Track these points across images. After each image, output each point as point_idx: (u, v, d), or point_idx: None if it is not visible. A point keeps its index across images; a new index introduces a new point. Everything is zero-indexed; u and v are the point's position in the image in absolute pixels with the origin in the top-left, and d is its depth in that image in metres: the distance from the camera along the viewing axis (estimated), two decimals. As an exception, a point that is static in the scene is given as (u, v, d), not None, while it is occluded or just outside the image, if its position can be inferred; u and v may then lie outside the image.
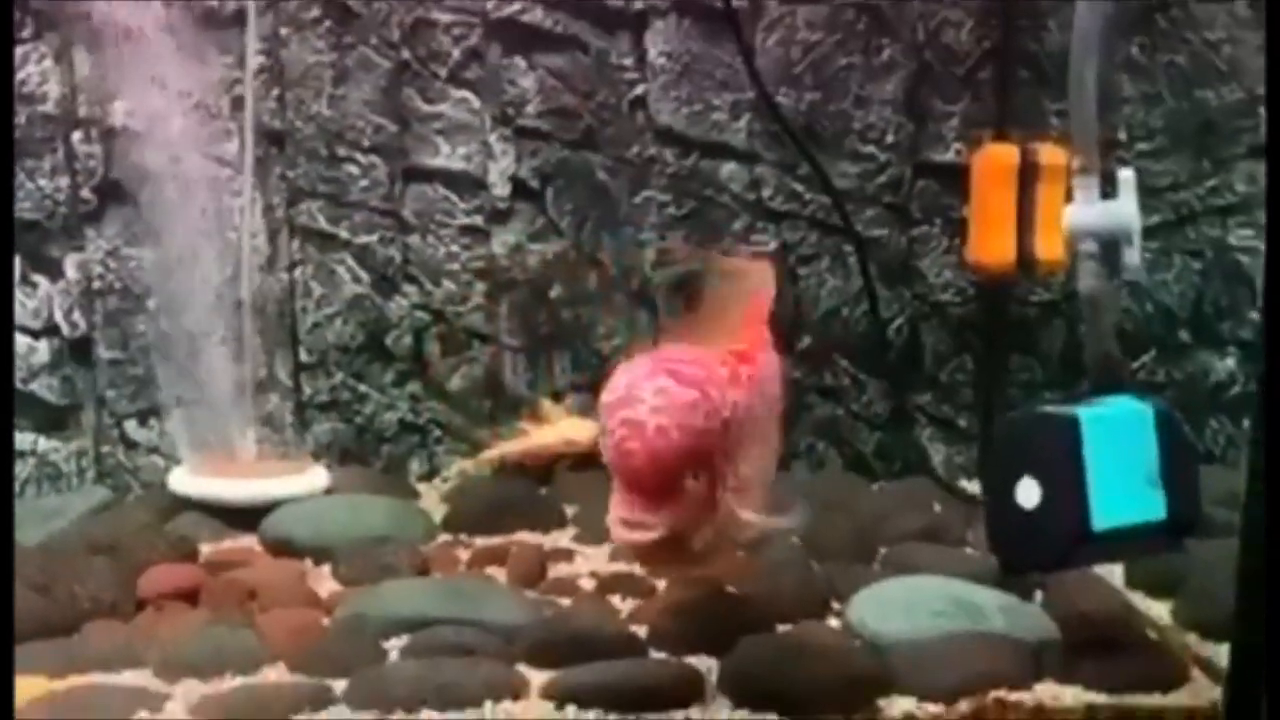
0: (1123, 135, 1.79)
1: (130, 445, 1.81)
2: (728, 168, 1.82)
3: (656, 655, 1.24)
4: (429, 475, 1.84)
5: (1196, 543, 1.24)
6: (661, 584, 1.37)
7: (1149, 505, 1.16)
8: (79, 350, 1.79)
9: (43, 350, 1.78)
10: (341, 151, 1.79)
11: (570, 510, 1.65)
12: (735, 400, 1.10)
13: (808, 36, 1.80)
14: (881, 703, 1.15)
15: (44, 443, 1.79)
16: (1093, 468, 1.13)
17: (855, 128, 1.81)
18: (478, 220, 1.82)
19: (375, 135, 1.80)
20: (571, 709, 1.13)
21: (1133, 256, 1.21)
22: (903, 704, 1.15)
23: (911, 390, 1.84)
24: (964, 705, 1.15)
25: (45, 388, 1.79)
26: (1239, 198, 1.81)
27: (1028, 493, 1.15)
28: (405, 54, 1.79)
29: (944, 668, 1.17)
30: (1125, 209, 1.21)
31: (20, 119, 1.75)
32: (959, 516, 1.59)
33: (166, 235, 1.75)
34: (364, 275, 1.82)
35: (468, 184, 1.81)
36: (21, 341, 1.78)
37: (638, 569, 1.35)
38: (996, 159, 1.27)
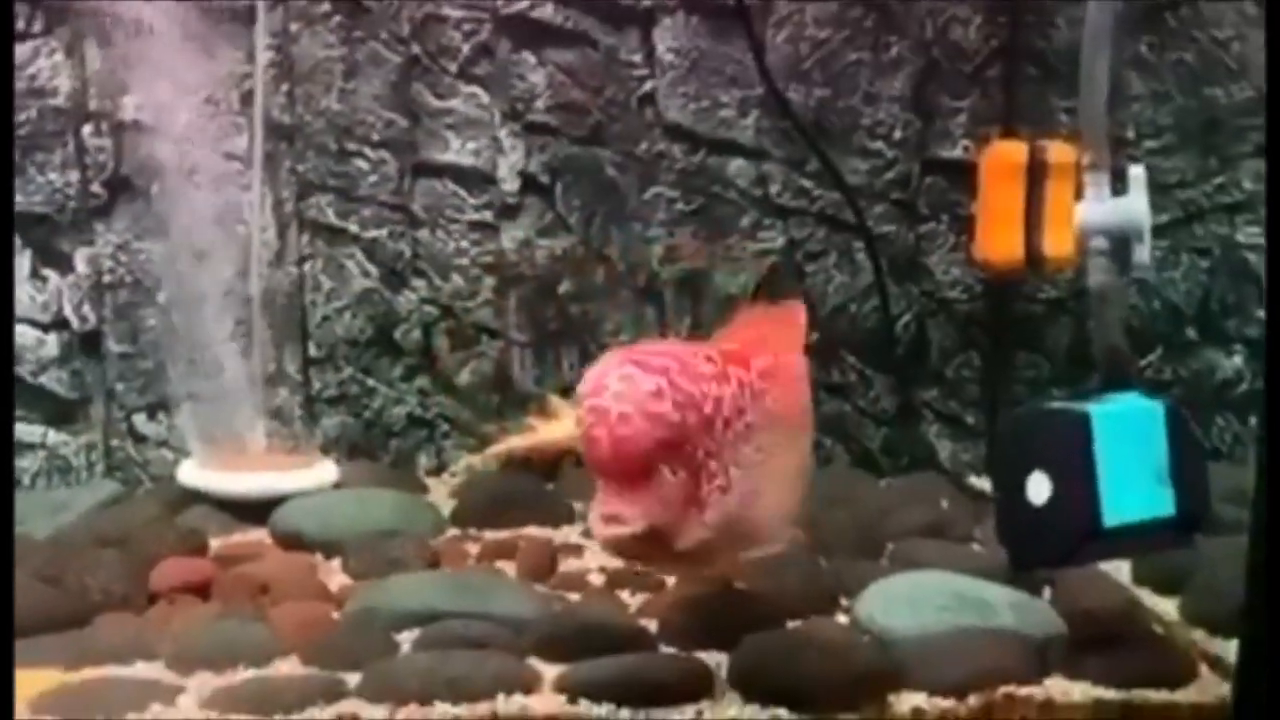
0: (1131, 133, 1.79)
1: (139, 439, 1.81)
2: (735, 164, 1.82)
3: (666, 650, 1.25)
4: (437, 470, 1.84)
5: (1202, 539, 1.24)
6: (670, 580, 1.38)
7: (1158, 501, 1.16)
8: (88, 344, 1.80)
9: (52, 344, 1.79)
10: (351, 146, 1.80)
11: (578, 505, 1.66)
12: (719, 396, 1.09)
13: (816, 33, 1.80)
14: (891, 698, 1.16)
15: (53, 436, 1.80)
16: (1103, 464, 1.14)
17: (863, 124, 1.81)
18: (487, 215, 1.82)
19: (385, 130, 1.80)
20: (584, 703, 1.13)
21: (1143, 253, 1.21)
22: (912, 699, 1.16)
23: (918, 386, 1.84)
24: (973, 700, 1.15)
25: (55, 381, 1.80)
26: (1246, 195, 1.81)
27: (1038, 488, 1.15)
28: (415, 49, 1.79)
29: (953, 663, 1.18)
30: (1136, 206, 1.21)
31: (31, 113, 1.75)
32: (966, 512, 1.60)
33: (176, 229, 1.75)
34: (373, 270, 1.82)
35: (477, 179, 1.82)
36: (31, 335, 1.78)
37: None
38: (1004, 156, 1.27)
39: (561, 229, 1.83)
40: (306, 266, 1.82)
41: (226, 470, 1.68)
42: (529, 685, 1.16)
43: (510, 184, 1.82)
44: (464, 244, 1.82)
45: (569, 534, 1.59)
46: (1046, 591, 1.35)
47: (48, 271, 1.78)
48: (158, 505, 1.64)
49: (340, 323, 1.83)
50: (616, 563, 1.45)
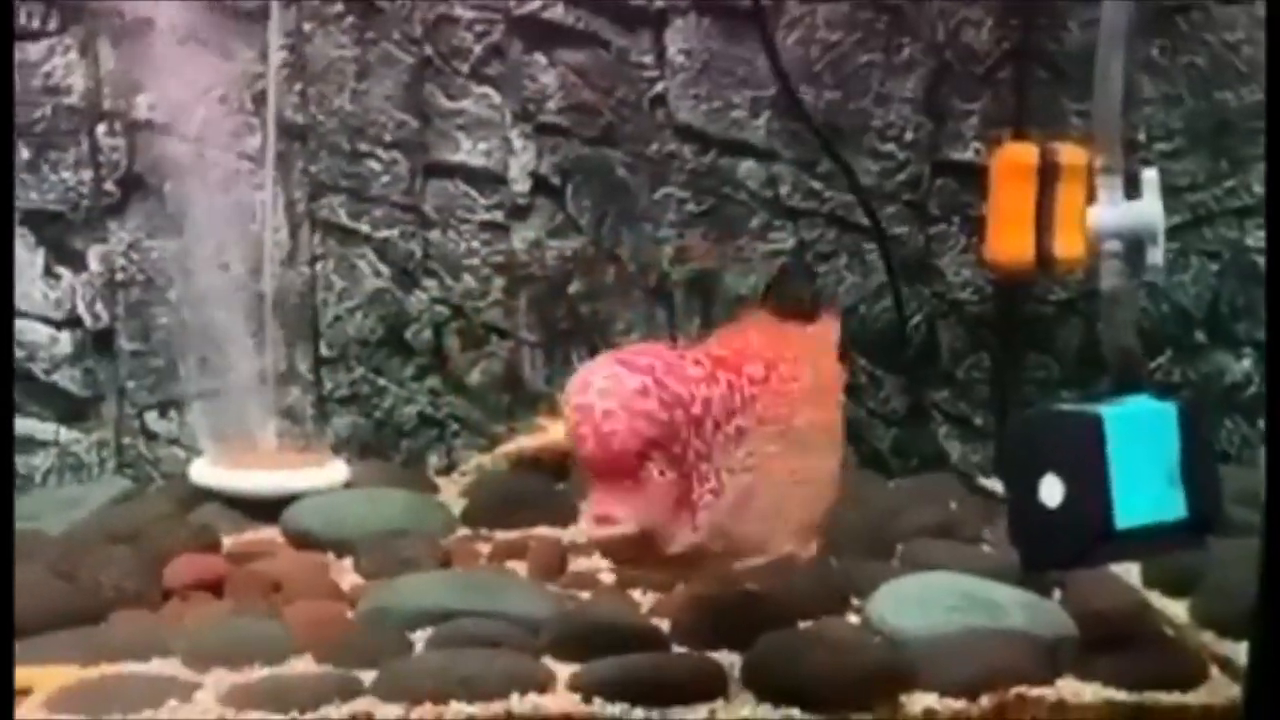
0: (1142, 135, 1.79)
1: (151, 436, 1.82)
2: (746, 165, 1.83)
3: (678, 650, 1.25)
4: (447, 469, 1.85)
5: (1212, 541, 1.24)
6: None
7: (1171, 504, 1.16)
8: (101, 342, 1.80)
9: (65, 341, 1.80)
10: (363, 146, 1.81)
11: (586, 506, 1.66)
12: (707, 398, 1.10)
13: (827, 35, 1.81)
14: (903, 698, 1.16)
15: (66, 433, 1.81)
16: (1116, 466, 1.14)
17: (875, 126, 1.82)
18: (498, 216, 1.83)
19: (397, 130, 1.81)
20: (598, 702, 1.13)
21: (1156, 256, 1.21)
22: (924, 699, 1.16)
23: (928, 387, 1.85)
24: (985, 701, 1.15)
25: (68, 379, 1.80)
26: (1256, 199, 1.81)
27: (1050, 490, 1.15)
28: (427, 50, 1.80)
29: (965, 664, 1.18)
30: (1150, 209, 1.21)
31: (45, 111, 1.76)
32: (976, 513, 1.60)
33: (189, 228, 1.76)
34: (384, 270, 1.83)
35: (488, 180, 1.82)
36: (44, 333, 1.79)
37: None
38: (1015, 158, 1.27)
39: (572, 229, 1.83)
40: (318, 266, 1.82)
41: (238, 468, 1.68)
42: (543, 684, 1.17)
43: (521, 184, 1.82)
44: (475, 244, 1.83)
45: (579, 533, 1.60)
46: (1056, 593, 1.36)
47: (61, 269, 1.79)
48: (169, 502, 1.64)
49: (352, 322, 1.83)
50: (628, 563, 1.46)
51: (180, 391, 1.79)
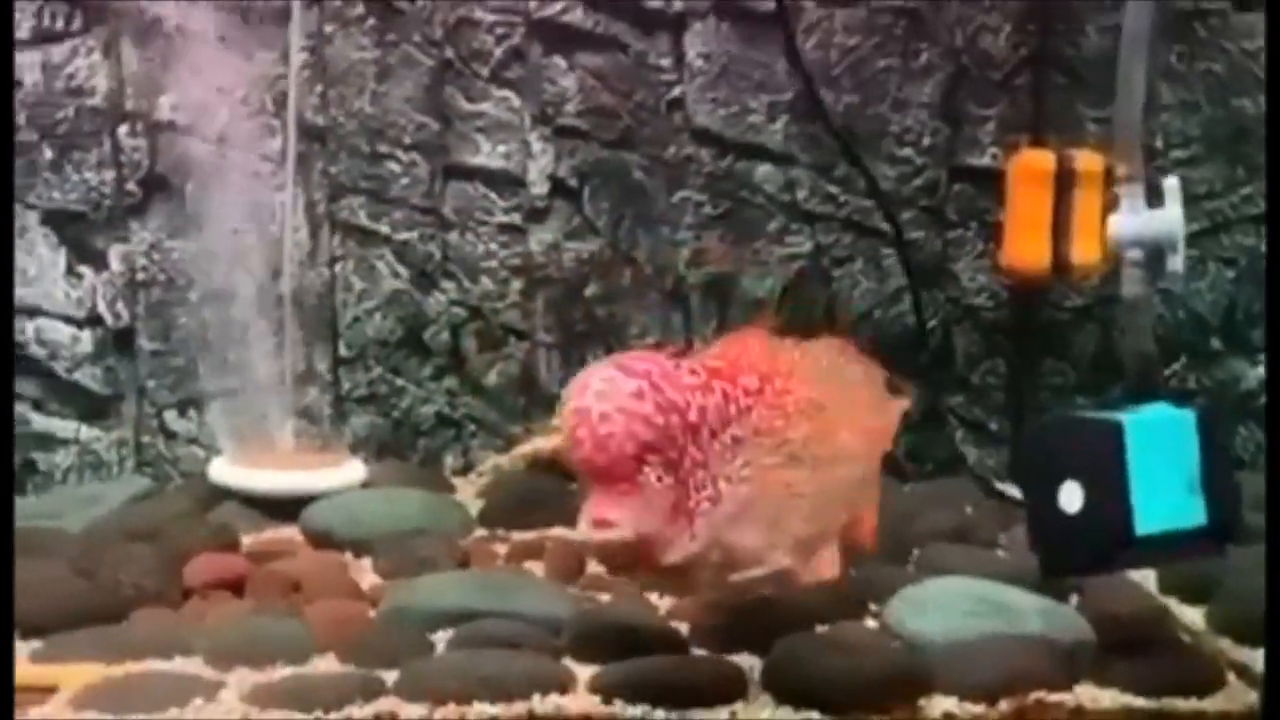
0: (1159, 142, 1.80)
1: (170, 435, 1.83)
2: (763, 169, 1.84)
3: (697, 652, 1.26)
4: (464, 470, 1.85)
5: (1230, 548, 1.25)
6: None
7: (1191, 511, 1.17)
8: (122, 340, 1.81)
9: (86, 340, 1.81)
10: (383, 148, 1.81)
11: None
12: (703, 405, 1.10)
13: (845, 40, 1.81)
14: (922, 702, 1.16)
15: (86, 431, 1.82)
16: (1136, 473, 1.15)
17: (892, 131, 1.82)
18: (516, 218, 1.84)
19: (416, 133, 1.81)
20: (619, 703, 1.14)
21: (1177, 264, 1.22)
22: (944, 704, 1.16)
23: (944, 392, 1.85)
24: (1004, 705, 1.16)
25: (88, 377, 1.81)
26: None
27: (1070, 497, 1.16)
28: (447, 52, 1.81)
29: (984, 668, 1.19)
30: (1171, 217, 1.22)
31: (69, 112, 1.77)
32: (992, 518, 1.61)
33: (209, 229, 1.77)
34: (403, 271, 1.84)
35: (507, 182, 1.83)
36: (65, 331, 1.80)
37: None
38: (1032, 164, 1.28)
39: (589, 232, 1.84)
40: (338, 267, 1.83)
41: (256, 468, 1.69)
42: (564, 685, 1.17)
43: (539, 187, 1.83)
44: (493, 246, 1.84)
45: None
46: (1073, 598, 1.36)
47: (83, 269, 1.80)
48: (188, 501, 1.65)
49: (370, 323, 1.84)
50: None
51: (200, 391, 1.80)
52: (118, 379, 1.82)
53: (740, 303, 1.84)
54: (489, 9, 1.80)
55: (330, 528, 1.57)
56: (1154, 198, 1.23)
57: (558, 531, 1.58)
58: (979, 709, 1.16)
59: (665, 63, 1.82)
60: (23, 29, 1.75)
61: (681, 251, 1.84)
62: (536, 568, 1.48)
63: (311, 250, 1.82)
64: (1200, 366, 1.85)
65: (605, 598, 1.39)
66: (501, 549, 1.55)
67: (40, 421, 1.80)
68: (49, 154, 1.77)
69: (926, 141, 1.83)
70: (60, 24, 1.76)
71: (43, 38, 1.76)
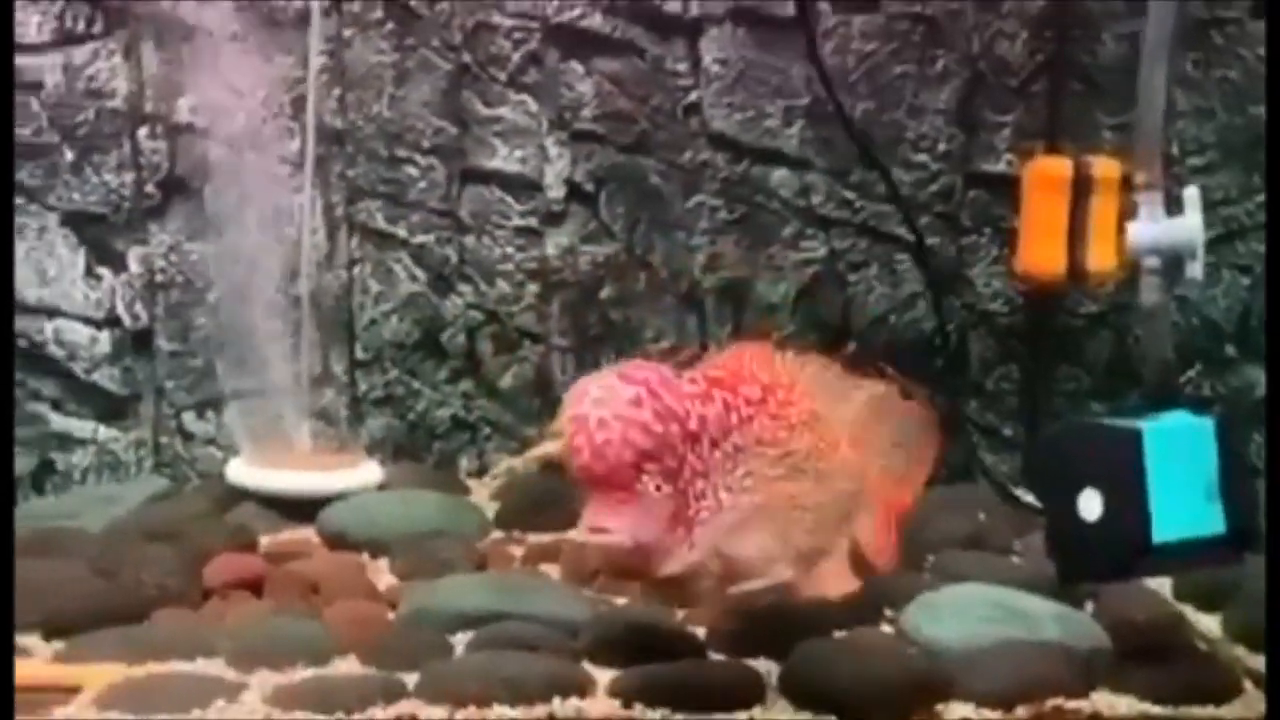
0: (1175, 149, 1.80)
1: (188, 436, 1.84)
2: (779, 174, 1.84)
3: (714, 657, 1.26)
4: (479, 472, 1.86)
5: (1247, 555, 1.25)
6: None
7: (1209, 518, 1.17)
8: (140, 342, 1.82)
9: (105, 341, 1.82)
10: (401, 152, 1.82)
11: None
12: (703, 415, 1.11)
13: (862, 46, 1.82)
14: (939, 708, 1.17)
15: (104, 432, 1.82)
16: (1154, 480, 1.15)
17: (908, 137, 1.83)
18: (532, 222, 1.84)
19: (434, 137, 1.82)
20: (638, 707, 1.15)
21: (1195, 272, 1.22)
22: (961, 710, 1.17)
23: (958, 397, 1.86)
24: (1021, 712, 1.16)
25: (107, 378, 1.82)
26: (1288, 213, 1.82)
27: (1089, 504, 1.16)
28: (465, 57, 1.81)
29: (1001, 674, 1.19)
30: (1191, 225, 1.22)
31: (89, 114, 1.78)
32: (1006, 524, 1.61)
33: (228, 231, 1.78)
34: (420, 274, 1.85)
35: (523, 186, 1.84)
36: (84, 332, 1.81)
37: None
38: (1048, 170, 1.28)
39: (605, 236, 1.85)
40: (355, 270, 1.84)
41: (273, 469, 1.70)
42: (583, 688, 1.18)
43: (556, 191, 1.84)
44: (509, 250, 1.84)
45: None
46: (1089, 605, 1.37)
47: (102, 270, 1.81)
48: (206, 502, 1.66)
49: (387, 325, 1.85)
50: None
51: (217, 392, 1.81)
52: (136, 380, 1.83)
53: (755, 307, 1.84)
54: (507, 14, 1.81)
55: (346, 529, 1.57)
56: (1172, 206, 1.24)
57: (573, 534, 1.60)
58: (995, 715, 1.16)
59: (681, 68, 1.83)
60: (44, 31, 1.76)
61: (697, 256, 1.85)
62: (552, 570, 1.48)
63: (329, 253, 1.83)
64: (1215, 373, 1.85)
65: (621, 601, 1.39)
66: (518, 551, 1.56)
67: (59, 422, 1.81)
68: (69, 155, 1.78)
69: (942, 147, 1.83)
70: (81, 26, 1.77)
71: (64, 40, 1.77)
